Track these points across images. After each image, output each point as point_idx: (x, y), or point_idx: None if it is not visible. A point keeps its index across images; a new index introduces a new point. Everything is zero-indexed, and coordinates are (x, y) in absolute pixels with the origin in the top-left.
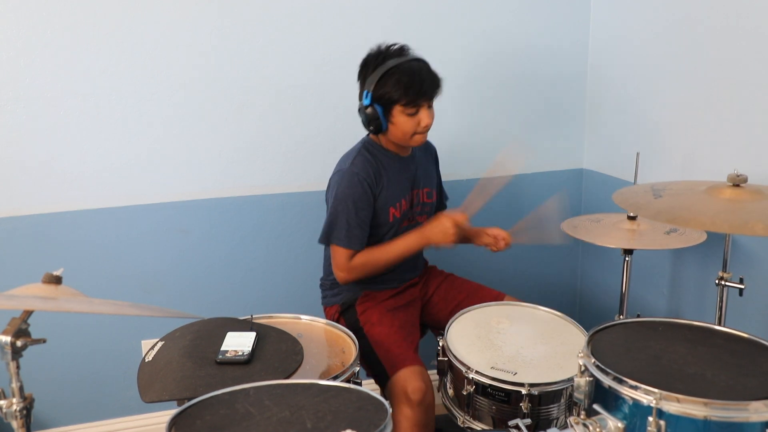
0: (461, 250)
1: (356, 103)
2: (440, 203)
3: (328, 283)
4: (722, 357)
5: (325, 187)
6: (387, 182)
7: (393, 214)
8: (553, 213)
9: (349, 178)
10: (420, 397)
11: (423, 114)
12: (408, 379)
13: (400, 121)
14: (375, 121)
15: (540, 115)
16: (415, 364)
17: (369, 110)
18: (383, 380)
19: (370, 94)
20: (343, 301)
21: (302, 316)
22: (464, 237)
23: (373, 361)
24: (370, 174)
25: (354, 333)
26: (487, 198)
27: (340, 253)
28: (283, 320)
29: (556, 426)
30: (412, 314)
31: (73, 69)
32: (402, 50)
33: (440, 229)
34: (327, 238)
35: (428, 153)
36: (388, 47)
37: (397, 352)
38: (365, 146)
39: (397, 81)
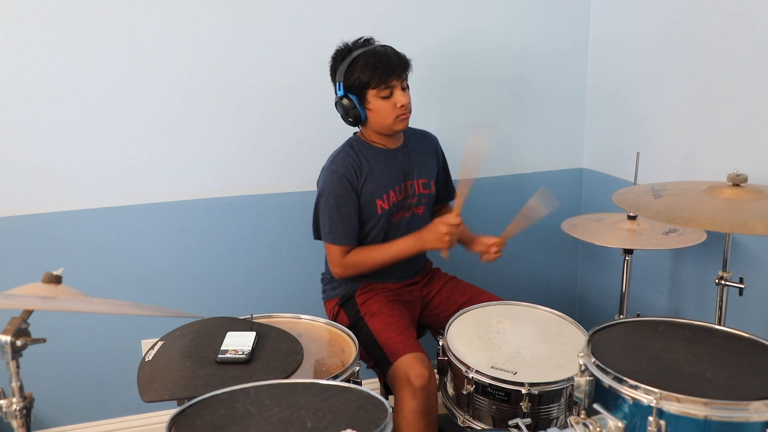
0: (462, 252)
1: None
2: (447, 194)
3: (328, 277)
4: (722, 357)
5: None
6: (370, 175)
7: (381, 206)
8: (539, 208)
9: (329, 175)
10: (423, 383)
11: (398, 95)
12: (410, 365)
13: (377, 105)
14: (352, 110)
15: (540, 115)
16: (417, 351)
17: (345, 101)
18: (384, 368)
19: (341, 84)
20: (342, 294)
21: (302, 316)
22: (461, 240)
23: (374, 349)
24: (350, 169)
25: (354, 323)
26: (466, 194)
27: (332, 250)
28: (283, 320)
29: (556, 425)
30: (411, 312)
31: (73, 69)
32: (368, 41)
33: (435, 235)
34: (314, 233)
35: (427, 143)
36: (354, 41)
37: (398, 339)
38: (349, 143)
39: (364, 64)
